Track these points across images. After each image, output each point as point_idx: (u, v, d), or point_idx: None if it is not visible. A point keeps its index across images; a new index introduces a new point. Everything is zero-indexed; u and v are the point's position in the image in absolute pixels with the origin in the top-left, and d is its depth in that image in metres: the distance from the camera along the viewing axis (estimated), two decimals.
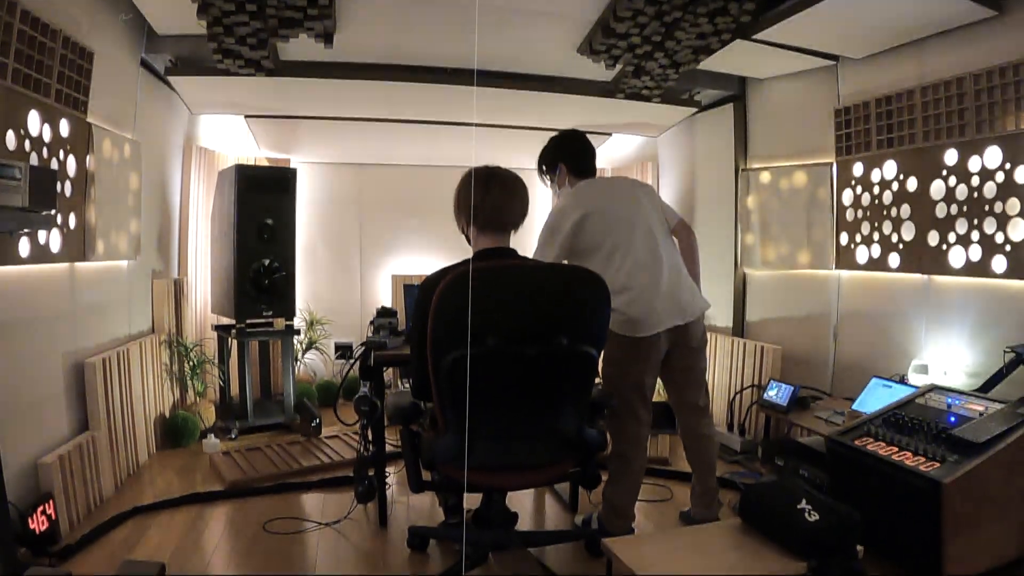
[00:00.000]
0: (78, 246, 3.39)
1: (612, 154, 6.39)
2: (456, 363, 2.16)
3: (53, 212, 2.86)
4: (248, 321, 4.76)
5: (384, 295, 6.32)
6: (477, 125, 5.49)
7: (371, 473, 3.29)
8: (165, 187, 4.81)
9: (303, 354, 5.74)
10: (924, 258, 3.64)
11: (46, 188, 2.40)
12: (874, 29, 3.65)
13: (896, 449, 2.84)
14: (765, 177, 4.77)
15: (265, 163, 5.74)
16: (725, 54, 4.06)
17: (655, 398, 5.43)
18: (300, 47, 3.89)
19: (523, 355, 2.20)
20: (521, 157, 6.23)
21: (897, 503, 2.70)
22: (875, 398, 3.58)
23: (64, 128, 3.19)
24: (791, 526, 2.21)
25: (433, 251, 6.25)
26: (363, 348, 3.30)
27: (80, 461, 3.22)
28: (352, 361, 3.41)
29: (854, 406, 3.66)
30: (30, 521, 2.72)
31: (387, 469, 3.45)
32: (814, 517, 2.18)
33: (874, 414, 3.17)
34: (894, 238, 3.84)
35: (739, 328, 5.07)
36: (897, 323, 3.88)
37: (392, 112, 5.23)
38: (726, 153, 5.09)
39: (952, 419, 2.88)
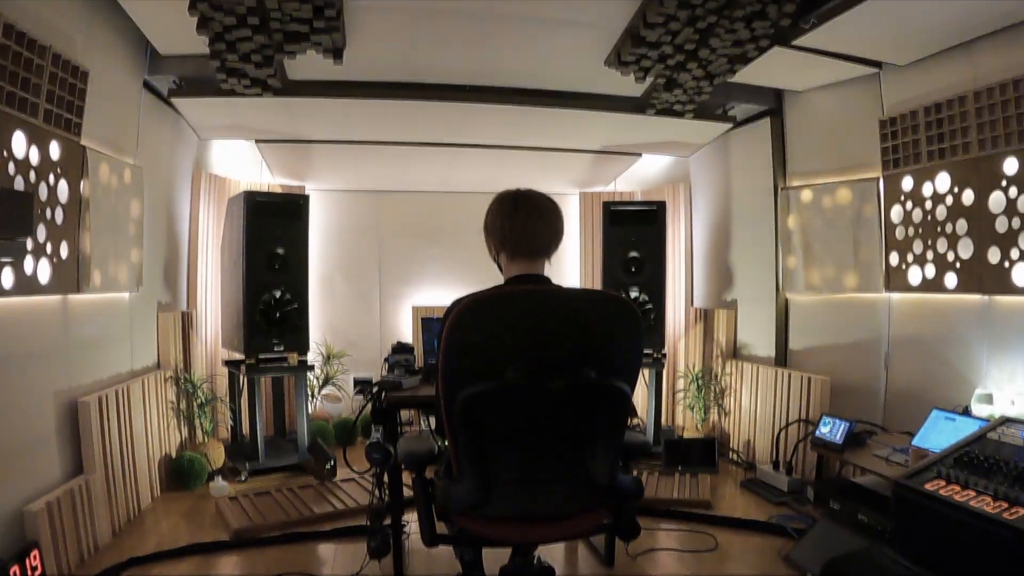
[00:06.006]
0: (71, 277, 3.22)
1: (641, 176, 6.21)
2: (470, 399, 1.91)
3: (31, 239, 2.66)
4: (260, 356, 4.58)
5: (405, 328, 6.15)
6: (498, 147, 5.29)
7: (387, 522, 3.06)
8: (172, 215, 4.66)
9: (319, 390, 5.51)
10: (984, 277, 3.41)
11: (19, 213, 2.18)
12: (920, 31, 3.45)
13: (973, 493, 2.53)
14: (806, 195, 4.55)
15: (279, 191, 5.57)
16: (761, 64, 3.87)
17: (691, 433, 5.23)
18: (308, 65, 3.72)
19: (545, 390, 1.94)
20: (546, 180, 6.11)
21: (978, 556, 2.37)
22: (938, 433, 3.30)
23: (54, 150, 3.02)
24: None
25: (456, 281, 6.06)
26: (375, 388, 3.05)
27: (71, 507, 3.05)
28: (365, 402, 3.16)
29: (915, 441, 3.36)
30: (12, 573, 2.56)
31: (405, 518, 3.18)
32: None
33: (944, 453, 2.86)
34: (950, 256, 3.61)
35: (782, 357, 4.83)
36: (955, 349, 3.64)
37: (408, 134, 5.07)
38: (763, 171, 4.90)
39: None
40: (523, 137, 5.20)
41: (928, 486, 2.66)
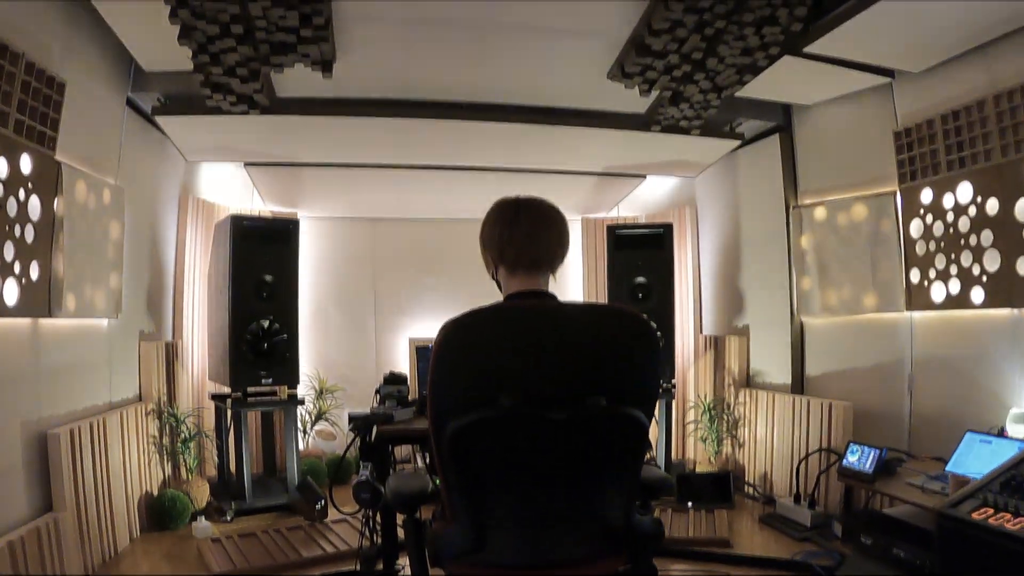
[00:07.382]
0: (42, 300, 3.01)
1: (644, 200, 6.05)
2: (460, 429, 1.67)
3: None
4: (248, 389, 4.36)
5: (401, 361, 5.93)
6: (496, 169, 5.14)
7: (380, 567, 2.80)
8: (157, 241, 4.48)
9: (311, 426, 5.28)
10: (1014, 290, 3.25)
11: None
12: (934, 35, 3.33)
13: None
14: (820, 213, 4.39)
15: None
16: (770, 76, 3.72)
17: (704, 467, 4.97)
18: (297, 80, 3.57)
19: (548, 420, 1.69)
20: None
21: None
22: (974, 457, 3.10)
23: (25, 164, 2.83)
24: None
25: (455, 311, 5.80)
26: (365, 421, 2.81)
27: (38, 547, 2.84)
28: (354, 437, 2.91)
29: (949, 467, 3.15)
30: None
31: (399, 562, 2.91)
32: None
33: (987, 478, 2.65)
34: (975, 270, 3.45)
35: (798, 384, 4.62)
36: (985, 367, 3.47)
37: (402, 156, 4.91)
38: (774, 190, 4.75)
39: None
40: (523, 158, 5.04)
41: (975, 515, 2.45)
